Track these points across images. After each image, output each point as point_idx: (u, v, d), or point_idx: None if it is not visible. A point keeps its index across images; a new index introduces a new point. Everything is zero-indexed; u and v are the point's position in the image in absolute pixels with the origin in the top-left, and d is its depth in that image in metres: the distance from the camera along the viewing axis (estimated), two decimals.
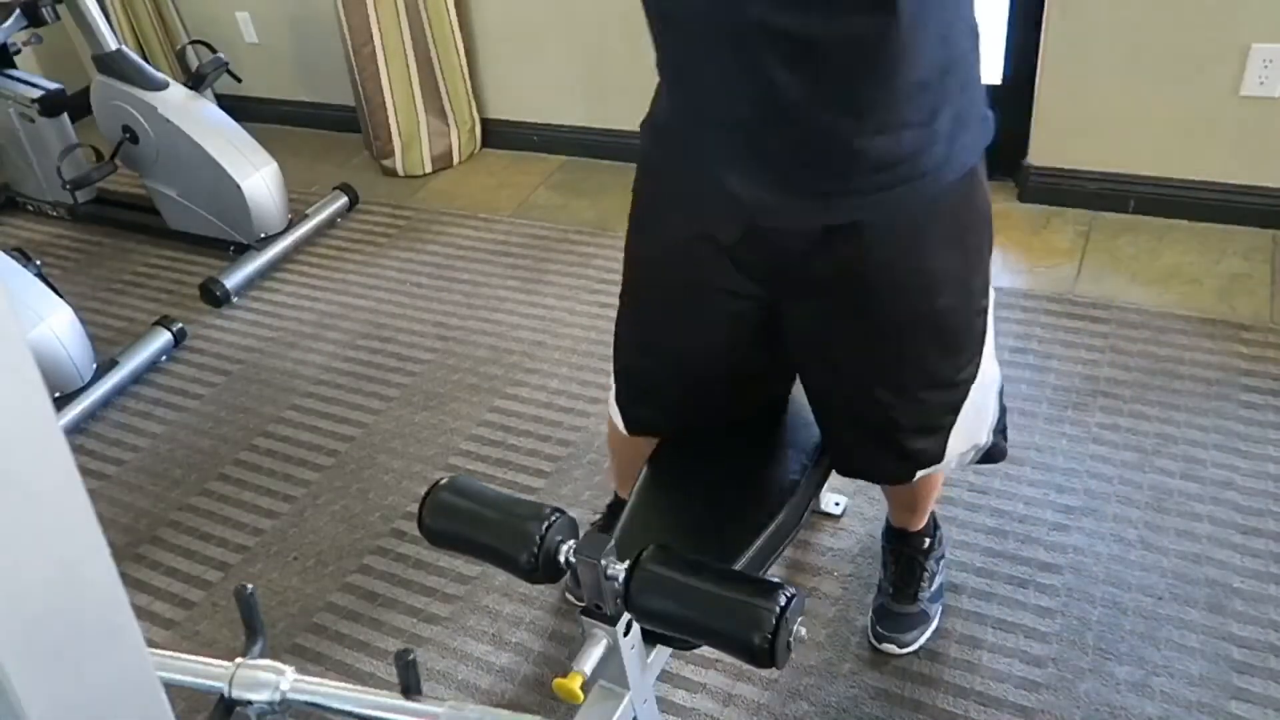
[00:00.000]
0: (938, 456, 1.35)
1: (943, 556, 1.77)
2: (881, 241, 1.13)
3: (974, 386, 1.32)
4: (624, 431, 1.49)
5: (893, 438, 1.32)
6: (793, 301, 1.24)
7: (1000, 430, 1.45)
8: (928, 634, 1.70)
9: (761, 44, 0.99)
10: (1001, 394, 1.44)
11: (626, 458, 1.59)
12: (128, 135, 2.96)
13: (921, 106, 1.04)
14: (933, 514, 1.76)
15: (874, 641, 1.69)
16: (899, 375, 1.27)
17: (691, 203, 1.21)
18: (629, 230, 1.34)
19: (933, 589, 1.72)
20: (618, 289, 1.41)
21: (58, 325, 2.43)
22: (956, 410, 1.32)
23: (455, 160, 3.46)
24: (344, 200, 3.22)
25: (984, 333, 1.29)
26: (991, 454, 1.46)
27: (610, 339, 1.49)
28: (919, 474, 1.37)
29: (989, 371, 1.34)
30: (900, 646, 1.67)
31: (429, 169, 3.42)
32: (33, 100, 3.11)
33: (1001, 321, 2.36)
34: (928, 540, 1.73)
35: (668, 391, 1.43)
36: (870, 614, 1.73)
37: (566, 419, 2.27)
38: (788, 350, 1.32)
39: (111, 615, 0.46)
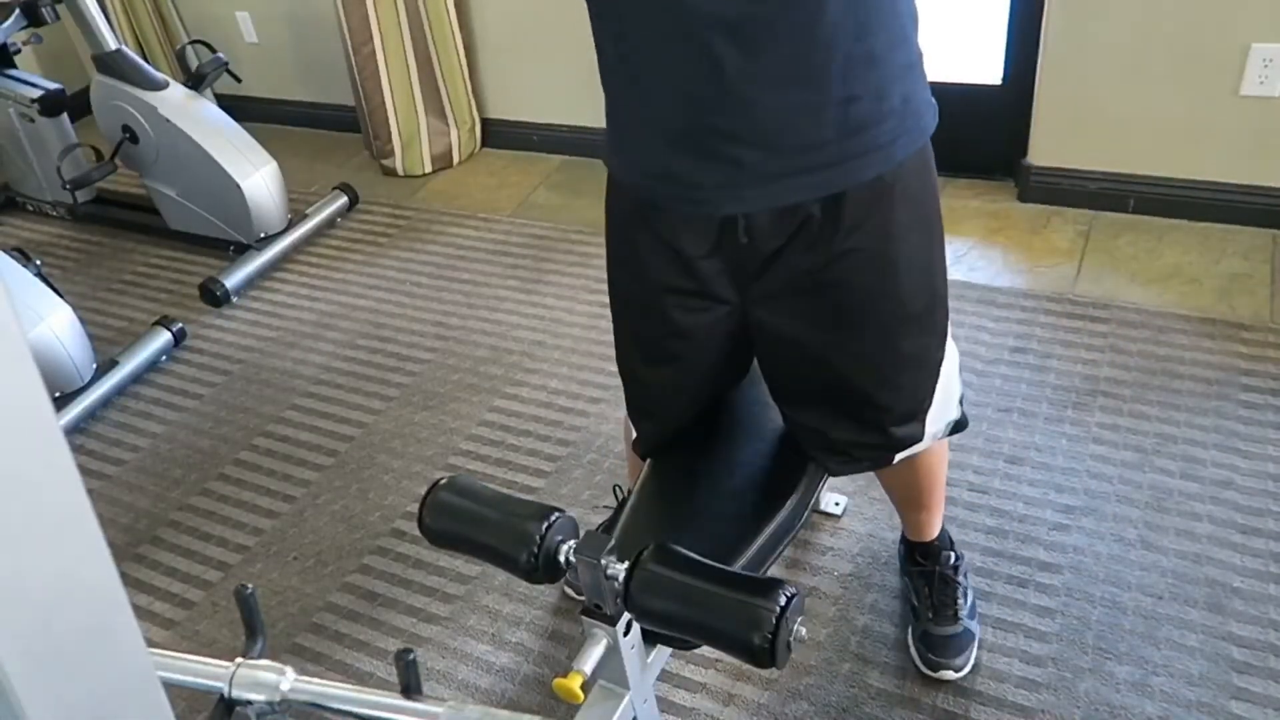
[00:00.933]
0: (918, 437, 1.37)
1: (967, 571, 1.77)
2: (849, 225, 1.14)
3: (944, 364, 1.35)
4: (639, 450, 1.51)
5: (878, 425, 1.33)
6: (769, 300, 1.24)
7: (960, 401, 1.48)
8: (975, 650, 1.67)
9: (704, 27, 1.00)
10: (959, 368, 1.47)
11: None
12: (128, 135, 2.96)
13: (869, 81, 1.06)
14: (944, 529, 1.75)
15: (928, 671, 1.65)
16: (882, 365, 1.28)
17: (661, 216, 1.21)
18: (609, 263, 1.36)
19: (969, 603, 1.70)
20: None
21: (58, 325, 2.43)
22: (933, 391, 1.35)
23: (455, 160, 3.46)
24: (344, 200, 3.22)
25: (947, 312, 1.33)
26: (959, 425, 1.48)
27: (610, 338, 1.50)
28: (898, 456, 1.39)
29: (953, 349, 1.38)
30: (956, 671, 1.64)
31: (429, 169, 3.42)
32: (33, 100, 3.11)
33: (1001, 321, 2.36)
34: (953, 555, 1.71)
35: (668, 413, 1.45)
36: (914, 645, 1.69)
37: (566, 419, 2.27)
38: (762, 346, 1.34)
39: (111, 615, 0.46)
